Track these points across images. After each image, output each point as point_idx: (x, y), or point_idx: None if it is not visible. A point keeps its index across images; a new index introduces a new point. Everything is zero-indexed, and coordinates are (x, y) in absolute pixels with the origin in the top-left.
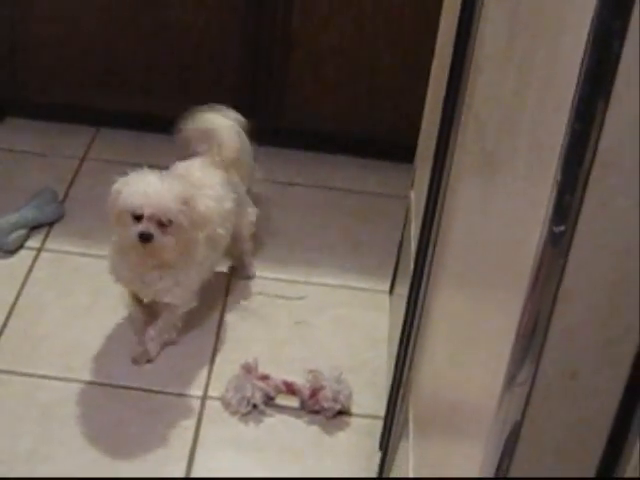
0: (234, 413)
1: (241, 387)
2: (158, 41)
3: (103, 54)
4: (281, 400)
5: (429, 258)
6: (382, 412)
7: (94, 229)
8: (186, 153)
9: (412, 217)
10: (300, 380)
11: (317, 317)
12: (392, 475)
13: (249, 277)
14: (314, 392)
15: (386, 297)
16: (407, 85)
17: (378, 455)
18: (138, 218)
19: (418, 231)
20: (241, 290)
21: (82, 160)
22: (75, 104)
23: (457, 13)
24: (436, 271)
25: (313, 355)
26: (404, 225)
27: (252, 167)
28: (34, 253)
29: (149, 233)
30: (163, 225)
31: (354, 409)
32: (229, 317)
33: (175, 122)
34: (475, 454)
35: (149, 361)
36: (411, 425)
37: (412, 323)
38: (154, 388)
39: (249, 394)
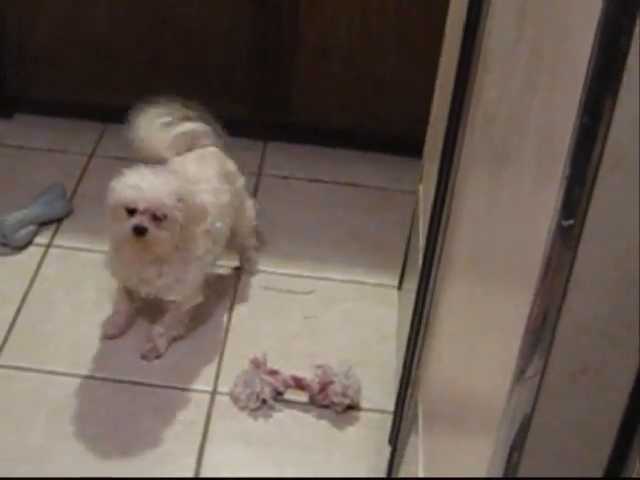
0: (243, 408)
1: (250, 382)
2: (165, 38)
3: (111, 51)
4: (290, 395)
5: (437, 253)
6: (391, 407)
7: (102, 225)
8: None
9: (420, 212)
10: (309, 375)
11: (326, 312)
12: (402, 471)
13: (252, 272)
14: (323, 387)
15: (395, 292)
16: (415, 81)
17: (387, 450)
18: (132, 212)
19: (426, 226)
20: (250, 285)
21: (90, 156)
22: (83, 101)
23: (464, 9)
24: (444, 266)
25: (322, 350)
26: (412, 220)
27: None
28: (43, 249)
29: (143, 227)
30: (157, 219)
31: (363, 404)
32: (238, 312)
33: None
34: (484, 449)
35: (158, 357)
36: (420, 420)
37: (421, 318)
38: (163, 383)
39: (258, 389)
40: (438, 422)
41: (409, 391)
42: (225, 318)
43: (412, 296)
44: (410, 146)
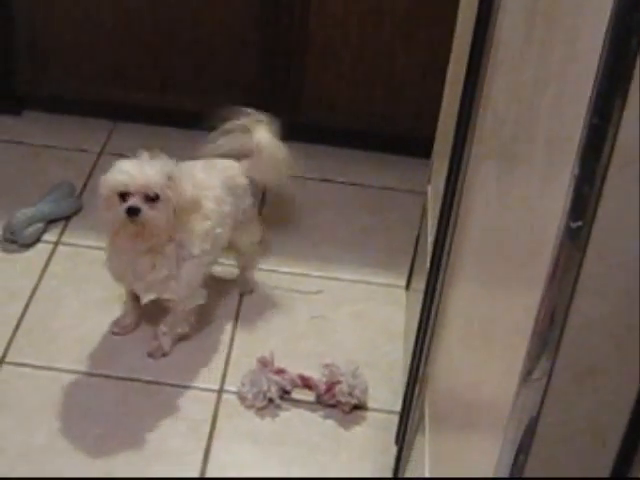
0: (250, 407)
1: (257, 381)
2: (175, 36)
3: (120, 48)
4: (297, 394)
5: (446, 253)
6: (398, 407)
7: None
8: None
9: (429, 212)
10: (316, 374)
11: (334, 312)
12: (408, 470)
13: (245, 293)
14: (330, 386)
15: (402, 292)
16: (424, 80)
17: (394, 450)
18: (124, 197)
19: (435, 226)
20: (258, 284)
21: (99, 154)
22: (93, 98)
23: (475, 10)
24: (452, 266)
25: (329, 349)
26: (421, 220)
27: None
28: (51, 247)
29: (136, 207)
30: (150, 200)
31: (370, 404)
32: (245, 311)
33: (197, 117)
34: (491, 449)
35: (164, 355)
36: (427, 420)
37: (428, 318)
38: (170, 381)
39: (265, 388)
40: (445, 422)
41: (416, 391)
42: (233, 317)
43: (420, 296)
44: (419, 147)
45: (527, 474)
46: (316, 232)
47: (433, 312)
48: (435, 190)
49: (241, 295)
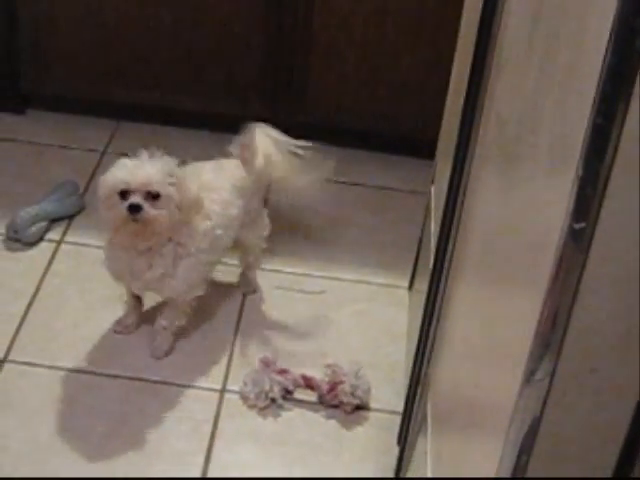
0: (252, 407)
1: (259, 381)
2: (179, 35)
3: (124, 47)
4: (299, 394)
5: (449, 254)
6: (400, 407)
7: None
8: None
9: (432, 213)
10: (319, 374)
11: (336, 312)
12: (410, 471)
13: (248, 292)
14: (332, 387)
15: (405, 293)
16: (428, 81)
17: (396, 450)
18: (125, 196)
19: (438, 227)
20: (261, 284)
21: (103, 153)
22: (96, 97)
23: (479, 9)
24: (456, 267)
25: (332, 350)
26: (424, 221)
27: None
28: (54, 245)
29: (138, 204)
30: (152, 198)
31: (372, 404)
32: (248, 311)
33: (200, 117)
34: (493, 450)
35: (167, 353)
36: (429, 420)
37: (431, 319)
38: (173, 381)
39: (267, 388)
40: (447, 423)
41: (418, 392)
42: (235, 317)
43: (423, 297)
44: (422, 147)
45: (529, 474)
46: (319, 232)
47: (436, 313)
48: (438, 191)
49: (244, 295)
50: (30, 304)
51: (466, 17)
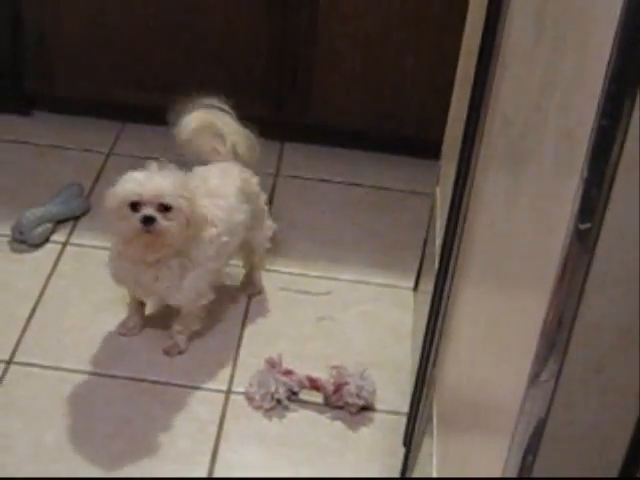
0: (258, 408)
1: (265, 382)
2: (183, 36)
3: (130, 49)
4: (305, 395)
5: (454, 255)
6: (406, 408)
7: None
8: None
9: (437, 214)
10: (324, 376)
11: (341, 313)
12: (415, 472)
13: (253, 294)
14: (338, 388)
15: (410, 294)
16: (433, 82)
17: (401, 451)
18: (137, 208)
19: (443, 228)
20: (266, 286)
21: (108, 155)
22: (102, 99)
23: (483, 10)
24: (461, 268)
25: (337, 351)
26: (429, 222)
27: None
28: (59, 247)
29: (151, 216)
30: (163, 210)
31: (378, 405)
32: (253, 312)
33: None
34: (499, 451)
35: (180, 352)
36: (435, 421)
37: (436, 320)
38: (178, 382)
39: (273, 389)
40: (452, 424)
41: (424, 393)
42: (241, 318)
43: (428, 298)
44: (427, 148)
45: (535, 475)
46: (324, 233)
47: (441, 313)
48: (443, 192)
49: (249, 297)
50: (35, 305)
51: (471, 17)
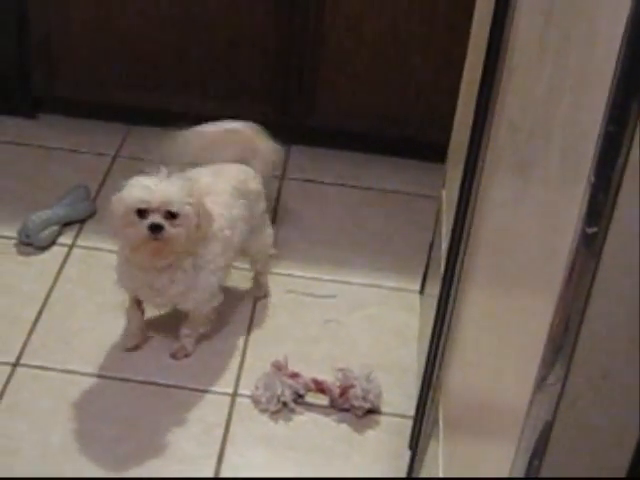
0: (264, 411)
1: (271, 385)
2: (190, 41)
3: (136, 52)
4: (311, 398)
5: (460, 258)
6: (412, 411)
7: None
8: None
9: (443, 217)
10: (330, 378)
11: (347, 316)
12: (421, 475)
13: (260, 297)
14: (344, 390)
15: (417, 297)
16: (439, 85)
17: (407, 454)
18: (144, 215)
19: (449, 231)
20: (272, 288)
21: (114, 158)
22: (107, 102)
23: (490, 13)
24: (467, 271)
25: (343, 353)
26: (435, 225)
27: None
28: (66, 250)
29: (159, 223)
30: (171, 217)
31: (384, 408)
32: (260, 315)
33: (212, 121)
34: (505, 454)
35: (187, 356)
36: (441, 424)
37: (442, 323)
38: (185, 385)
39: (279, 392)
40: (459, 427)
41: (430, 396)
42: (247, 321)
43: (434, 301)
44: (433, 151)
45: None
46: (330, 236)
47: (447, 317)
48: (449, 195)
49: (255, 299)
50: (42, 308)
51: (477, 19)
